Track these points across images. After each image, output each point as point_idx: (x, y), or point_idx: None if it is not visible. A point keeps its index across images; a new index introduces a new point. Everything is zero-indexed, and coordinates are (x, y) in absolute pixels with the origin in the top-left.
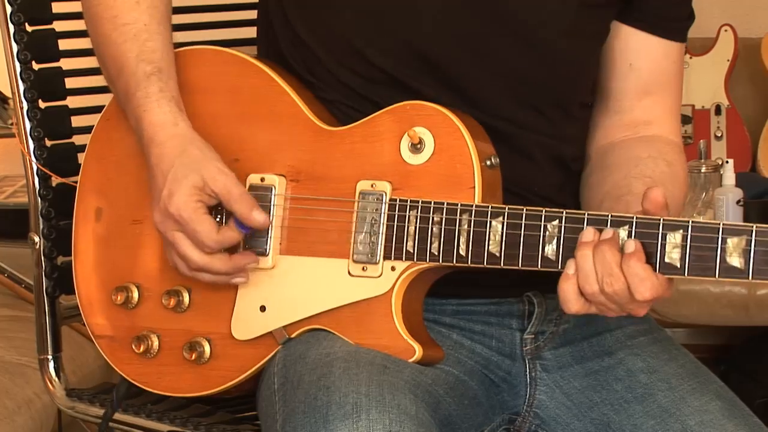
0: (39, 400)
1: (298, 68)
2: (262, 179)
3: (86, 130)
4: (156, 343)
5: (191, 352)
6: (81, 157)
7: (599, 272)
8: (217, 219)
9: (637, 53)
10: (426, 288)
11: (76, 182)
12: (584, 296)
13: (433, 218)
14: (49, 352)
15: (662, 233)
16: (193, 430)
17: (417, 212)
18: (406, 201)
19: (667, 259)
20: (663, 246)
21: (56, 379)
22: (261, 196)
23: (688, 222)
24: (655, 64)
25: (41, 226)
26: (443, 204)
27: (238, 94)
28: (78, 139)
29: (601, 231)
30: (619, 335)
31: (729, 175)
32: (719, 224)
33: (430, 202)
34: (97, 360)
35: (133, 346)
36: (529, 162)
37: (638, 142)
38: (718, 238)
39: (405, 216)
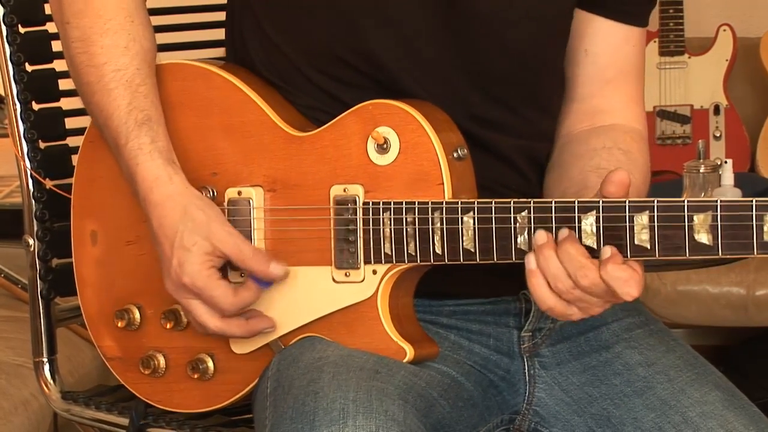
0: (36, 401)
1: (268, 73)
2: (239, 193)
3: (80, 131)
4: (162, 362)
5: (194, 370)
6: (75, 159)
7: (569, 269)
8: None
9: (592, 39)
10: (413, 285)
11: (69, 185)
12: (558, 295)
13: (406, 219)
14: (44, 355)
15: (629, 215)
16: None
17: (390, 214)
18: (379, 203)
19: (636, 242)
20: (632, 228)
21: (51, 382)
22: (239, 210)
23: (654, 201)
24: (612, 49)
25: (35, 228)
26: (414, 203)
27: (208, 107)
28: (72, 141)
29: (552, 230)
30: (616, 328)
31: (728, 175)
32: (684, 201)
33: (402, 203)
34: (94, 361)
35: (141, 368)
36: (507, 164)
37: (594, 133)
38: (684, 216)
39: (379, 219)
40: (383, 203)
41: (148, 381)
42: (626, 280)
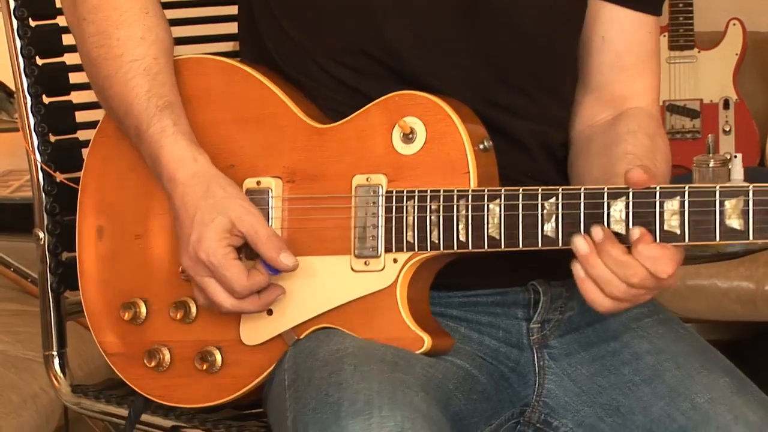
0: (45, 395)
1: (286, 66)
2: (258, 183)
3: (90, 125)
4: (168, 356)
5: (203, 362)
6: (85, 152)
7: (618, 273)
8: (240, 256)
9: (609, 26)
10: (431, 277)
11: (80, 178)
12: (614, 299)
13: (430, 207)
14: (54, 349)
15: (660, 201)
16: (198, 427)
17: (414, 202)
18: (403, 192)
19: (666, 227)
20: (662, 214)
21: (61, 376)
22: (258, 199)
23: (685, 188)
24: (628, 36)
25: (45, 222)
26: (440, 192)
27: (227, 100)
28: (82, 134)
29: (588, 234)
30: (624, 318)
31: (737, 170)
32: (716, 187)
33: (427, 191)
34: (102, 356)
35: (145, 361)
36: (522, 151)
37: (618, 118)
38: (715, 201)
39: (402, 207)
40: (407, 192)
41: (150, 376)
42: (658, 258)
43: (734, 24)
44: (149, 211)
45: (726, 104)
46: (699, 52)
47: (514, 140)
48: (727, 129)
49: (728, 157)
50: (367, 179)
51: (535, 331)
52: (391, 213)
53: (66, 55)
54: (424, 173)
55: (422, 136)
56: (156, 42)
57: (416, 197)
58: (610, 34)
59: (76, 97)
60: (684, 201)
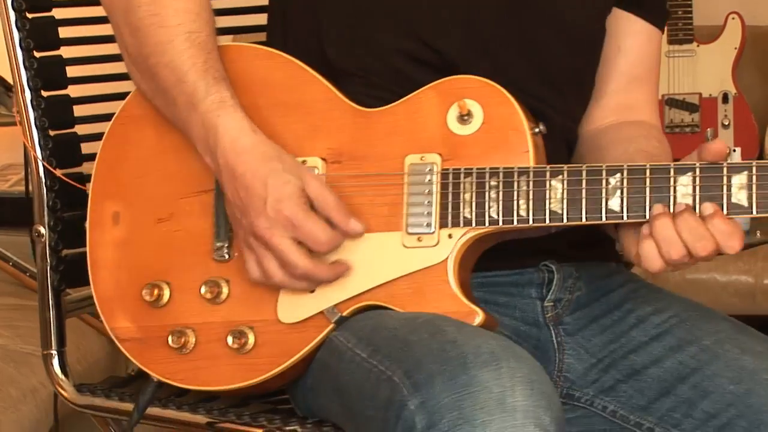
0: (44, 389)
1: (335, 53)
2: (304, 162)
3: (86, 120)
4: (192, 339)
5: (236, 340)
6: (84, 147)
7: (687, 240)
8: None
9: (625, 36)
10: (475, 259)
11: (81, 173)
12: (668, 263)
13: (489, 183)
14: (54, 347)
15: (727, 176)
16: (235, 421)
17: (472, 179)
18: (460, 170)
19: (734, 200)
20: (729, 188)
21: (63, 377)
22: None
23: (752, 162)
24: (642, 48)
25: (47, 218)
26: (499, 169)
27: (266, 86)
28: (79, 129)
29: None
30: (622, 292)
31: None
32: None
33: (485, 168)
34: (102, 349)
35: (171, 342)
36: (549, 142)
37: (626, 124)
38: None
39: (459, 183)
40: (465, 169)
41: (172, 359)
42: (731, 233)
43: (733, 18)
44: (175, 193)
45: (725, 98)
46: (698, 46)
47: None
48: (726, 123)
49: (727, 151)
50: (422, 158)
51: (549, 310)
52: (447, 189)
53: (62, 48)
54: (480, 153)
55: (479, 118)
56: (209, 22)
57: (474, 174)
58: (626, 44)
59: (71, 91)
60: (752, 175)
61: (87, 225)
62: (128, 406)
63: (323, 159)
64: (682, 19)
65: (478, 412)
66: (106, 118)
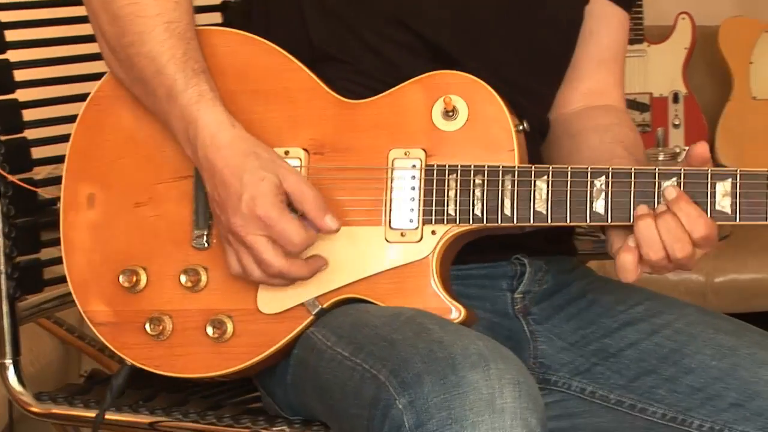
0: None
1: (320, 39)
2: (287, 152)
3: (35, 124)
4: (170, 325)
5: (216, 329)
6: (35, 152)
7: (665, 240)
8: None
9: (599, 20)
10: (454, 254)
11: (31, 179)
12: (647, 264)
13: (474, 181)
14: (9, 356)
15: (711, 182)
16: (183, 420)
17: (456, 176)
18: (444, 166)
19: (717, 207)
20: (713, 194)
21: (19, 387)
22: None
23: (736, 170)
24: (612, 32)
25: (1, 226)
26: (484, 166)
27: (248, 72)
28: (29, 134)
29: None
30: (579, 284)
31: None
32: (766, 171)
33: (470, 166)
34: (55, 350)
35: (149, 329)
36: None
37: (597, 110)
38: (767, 184)
39: (444, 180)
40: (449, 166)
41: (147, 345)
42: (697, 216)
43: (683, 18)
44: (153, 178)
45: (675, 98)
46: (649, 46)
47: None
48: (677, 122)
49: (678, 151)
50: (406, 153)
51: (518, 301)
52: (432, 186)
53: (8, 52)
54: (464, 149)
55: (464, 114)
56: (188, 11)
57: (459, 171)
58: (598, 28)
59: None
60: (736, 183)
61: (60, 205)
62: (91, 413)
63: (305, 150)
64: (633, 19)
65: (467, 412)
66: (56, 121)
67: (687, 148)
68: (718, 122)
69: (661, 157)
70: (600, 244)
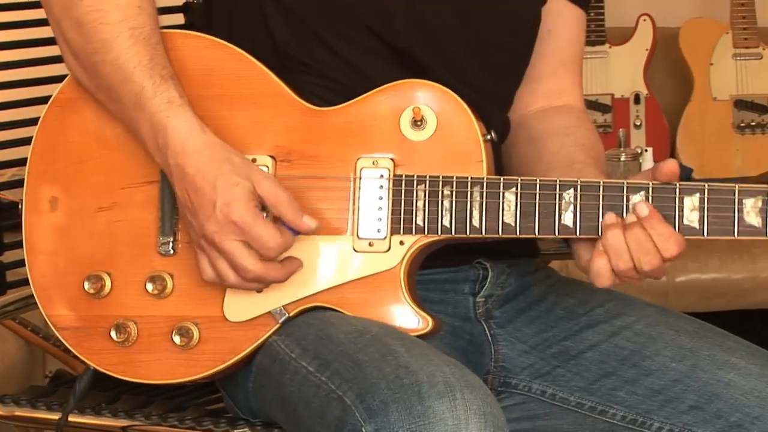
0: None
1: (285, 44)
2: (254, 160)
3: None
4: (135, 332)
5: (182, 337)
6: None
7: (633, 251)
8: None
9: (555, 19)
10: (419, 263)
11: None
12: (615, 274)
13: (442, 192)
14: None
15: (679, 197)
16: (161, 424)
17: (425, 186)
18: (413, 176)
19: (686, 222)
20: (681, 209)
21: None
22: None
23: (704, 185)
24: (571, 31)
25: None
26: (453, 177)
27: (213, 77)
28: None
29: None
30: (540, 286)
31: (648, 164)
32: (735, 187)
33: (439, 176)
34: (19, 351)
35: (113, 335)
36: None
37: (556, 112)
38: (734, 199)
39: (412, 191)
40: (418, 176)
41: (111, 350)
42: (669, 236)
43: (644, 20)
44: (118, 182)
45: (637, 99)
46: (610, 47)
47: (485, 122)
48: (638, 123)
49: (639, 151)
50: (374, 162)
51: (480, 305)
52: (400, 196)
53: None
54: (433, 159)
55: (432, 124)
56: (153, 15)
57: (427, 182)
58: (556, 28)
59: None
60: (704, 198)
61: (22, 207)
62: (55, 416)
63: (272, 157)
64: (594, 21)
65: None
66: (19, 124)
67: (648, 149)
68: (679, 123)
69: (623, 158)
70: (562, 244)
